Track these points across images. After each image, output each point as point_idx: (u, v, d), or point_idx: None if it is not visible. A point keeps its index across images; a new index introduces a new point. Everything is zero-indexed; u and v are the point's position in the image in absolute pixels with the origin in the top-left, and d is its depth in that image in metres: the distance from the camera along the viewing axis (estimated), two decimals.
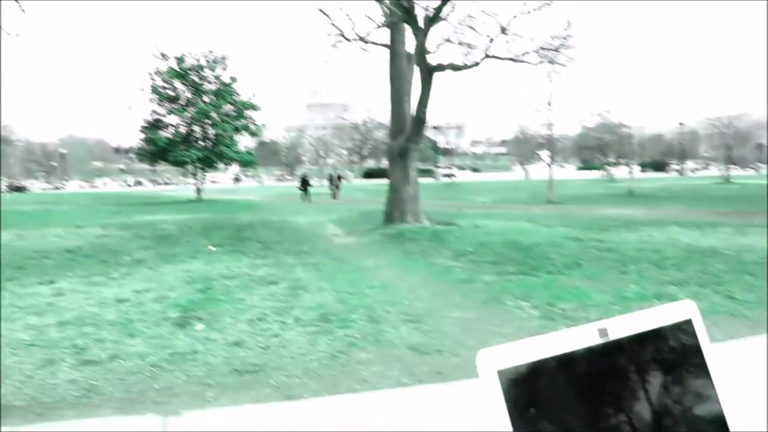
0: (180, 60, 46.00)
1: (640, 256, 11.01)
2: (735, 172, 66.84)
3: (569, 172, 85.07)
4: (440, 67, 17.28)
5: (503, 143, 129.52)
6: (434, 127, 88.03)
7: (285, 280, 9.51)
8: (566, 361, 0.71)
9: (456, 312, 7.39)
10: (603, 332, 0.74)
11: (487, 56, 17.54)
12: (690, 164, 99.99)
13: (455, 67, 17.49)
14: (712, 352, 0.79)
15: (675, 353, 0.77)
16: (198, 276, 10.00)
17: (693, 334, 0.78)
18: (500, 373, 0.68)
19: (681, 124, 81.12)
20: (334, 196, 38.16)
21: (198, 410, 4.40)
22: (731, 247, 12.22)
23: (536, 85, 52.61)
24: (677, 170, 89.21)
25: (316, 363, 5.51)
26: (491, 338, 6.21)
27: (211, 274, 10.17)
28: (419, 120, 17.60)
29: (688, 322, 0.78)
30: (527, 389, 0.68)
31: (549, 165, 37.30)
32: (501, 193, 39.21)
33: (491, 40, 17.46)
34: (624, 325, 0.75)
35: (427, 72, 17.15)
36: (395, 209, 17.85)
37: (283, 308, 7.56)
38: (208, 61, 46.69)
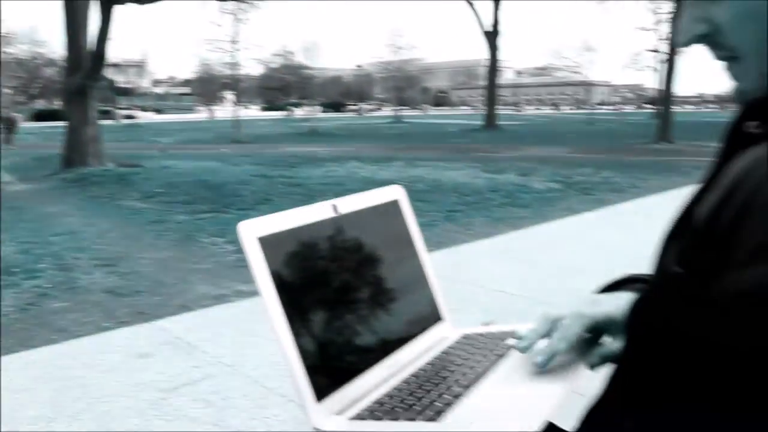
0: None
1: (325, 189, 11.71)
2: (405, 112, 72.65)
3: (254, 113, 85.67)
4: None
5: (187, 83, 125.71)
6: (113, 65, 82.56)
7: None
8: (309, 229, 0.90)
9: (151, 253, 7.30)
10: (335, 208, 0.95)
11: None
12: (366, 105, 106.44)
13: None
14: (414, 224, 1.08)
15: (388, 224, 1.05)
16: None
17: (400, 212, 1.07)
18: (260, 239, 0.83)
19: (358, 66, 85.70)
20: (8, 141, 34.30)
21: None
22: (404, 179, 13.51)
23: (220, 23, 51.82)
24: (355, 110, 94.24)
25: (4, 318, 5.12)
26: (190, 275, 6.28)
27: None
28: (98, 56, 16.49)
29: (396, 203, 1.06)
30: (282, 252, 0.85)
31: (234, 105, 37.28)
32: (186, 133, 38.35)
33: None
34: (350, 203, 0.98)
35: (107, 3, 16.05)
36: (75, 152, 16.67)
37: None
38: None
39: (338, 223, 0.95)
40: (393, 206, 1.09)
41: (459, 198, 11.03)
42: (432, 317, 1.09)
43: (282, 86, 66.82)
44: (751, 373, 0.52)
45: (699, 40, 0.70)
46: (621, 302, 0.82)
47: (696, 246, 0.60)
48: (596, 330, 0.90)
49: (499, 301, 5.24)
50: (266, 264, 0.82)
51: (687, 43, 0.71)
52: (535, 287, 5.59)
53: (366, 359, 0.92)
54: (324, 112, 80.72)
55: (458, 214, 9.45)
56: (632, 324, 0.68)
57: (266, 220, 0.86)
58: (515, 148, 23.32)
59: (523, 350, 0.90)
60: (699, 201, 0.63)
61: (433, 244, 7.34)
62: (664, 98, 29.15)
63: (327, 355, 0.86)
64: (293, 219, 0.89)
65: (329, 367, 0.86)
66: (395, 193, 1.09)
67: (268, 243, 0.83)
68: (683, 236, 0.64)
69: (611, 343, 0.88)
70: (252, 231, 0.83)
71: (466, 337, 1.09)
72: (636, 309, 0.67)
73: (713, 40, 0.69)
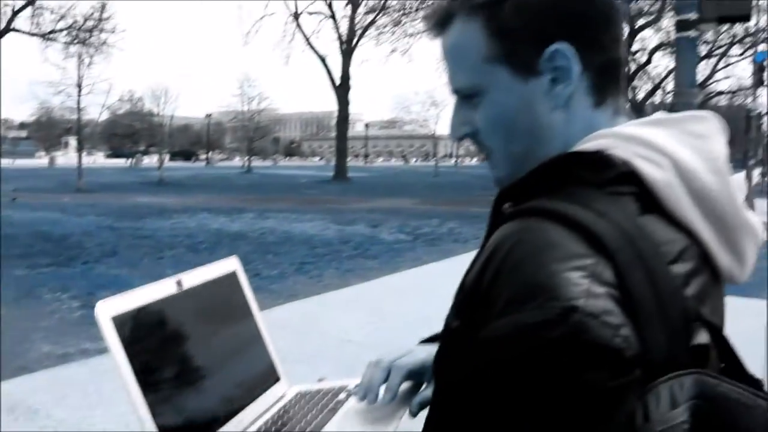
0: None
1: (174, 242, 11.47)
2: (256, 162, 72.33)
3: (99, 160, 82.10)
4: None
5: (23, 126, 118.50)
6: None
7: None
8: (158, 305, 0.97)
9: None
10: (179, 283, 1.02)
11: (10, 30, 16.11)
12: (216, 155, 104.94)
13: None
14: (250, 291, 1.18)
15: (227, 294, 1.16)
16: None
17: (238, 282, 1.17)
18: (114, 319, 0.89)
19: (208, 115, 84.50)
20: None
21: None
22: (255, 230, 13.47)
23: (63, 65, 49.65)
24: (205, 159, 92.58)
25: None
26: (31, 334, 5.96)
27: None
28: None
29: (234, 273, 1.16)
30: (134, 329, 0.92)
31: (77, 151, 35.59)
32: (24, 181, 36.19)
33: (15, 12, 16.09)
34: (193, 277, 1.06)
35: None
36: None
37: None
38: None
39: (183, 297, 1.02)
40: (231, 277, 1.18)
41: (310, 250, 11.14)
42: (270, 378, 1.18)
43: (129, 133, 64.54)
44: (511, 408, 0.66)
45: (465, 137, 0.88)
46: (434, 351, 0.95)
47: (467, 303, 0.74)
48: (417, 378, 1.03)
49: (349, 352, 5.35)
50: (119, 341, 0.88)
51: (457, 139, 0.89)
52: (384, 337, 5.75)
53: (211, 424, 0.99)
54: (172, 160, 78.76)
55: (309, 266, 9.54)
56: (434, 371, 0.81)
57: (120, 299, 0.92)
58: (365, 200, 23.82)
59: (361, 398, 1.01)
60: (472, 266, 0.76)
61: (283, 297, 7.39)
62: None
63: (178, 423, 0.93)
64: (144, 296, 0.96)
65: None
66: (232, 264, 1.18)
67: (120, 321, 0.89)
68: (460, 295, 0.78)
69: (427, 389, 1.01)
70: (107, 311, 0.89)
71: (301, 394, 1.18)
72: (435, 357, 0.79)
73: (475, 138, 0.87)
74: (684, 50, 5.36)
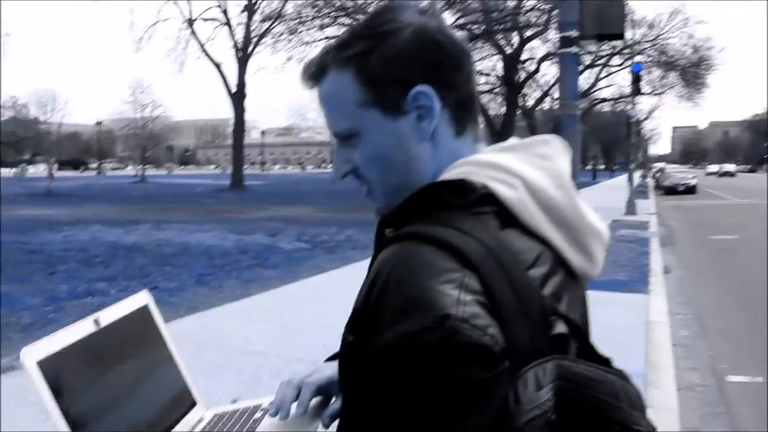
0: None
1: (67, 256, 11.11)
2: (149, 171, 70.38)
3: None
4: None
5: None
6: None
7: None
8: (79, 345, 1.05)
9: None
10: (97, 321, 1.10)
11: None
12: (108, 164, 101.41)
13: None
14: (163, 323, 1.26)
15: (141, 328, 1.24)
16: None
17: (150, 315, 1.24)
18: (39, 363, 0.96)
19: (99, 123, 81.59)
20: None
21: None
22: (151, 242, 13.21)
23: None
24: (96, 169, 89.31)
25: None
26: None
27: None
28: None
29: (146, 307, 1.23)
30: (59, 371, 0.99)
31: None
32: None
33: None
34: (108, 315, 1.14)
35: None
36: None
37: None
38: None
39: (101, 335, 1.10)
40: (143, 310, 1.25)
41: (208, 261, 11.04)
42: (187, 403, 1.27)
43: (13, 141, 61.52)
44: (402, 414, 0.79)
45: (347, 174, 1.02)
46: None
47: (359, 319, 0.86)
48: (327, 393, 1.15)
49: (252, 363, 5.40)
50: (46, 384, 0.95)
51: (341, 177, 1.03)
52: (287, 346, 5.83)
53: None
54: (61, 169, 75.61)
55: (208, 278, 9.47)
56: (339, 383, 0.93)
57: (43, 343, 0.98)
58: (263, 209, 23.71)
59: (273, 415, 1.12)
60: (362, 286, 0.89)
61: (183, 310, 7.33)
62: None
63: None
64: (65, 338, 1.02)
65: None
66: (143, 298, 1.26)
67: (46, 365, 0.96)
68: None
69: (336, 402, 1.14)
70: (32, 356, 0.95)
71: (218, 416, 1.26)
72: (339, 371, 0.92)
73: (356, 174, 1.01)
74: (566, 65, 5.71)
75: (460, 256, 0.81)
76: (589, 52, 33.30)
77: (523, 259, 0.87)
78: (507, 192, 0.91)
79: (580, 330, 0.88)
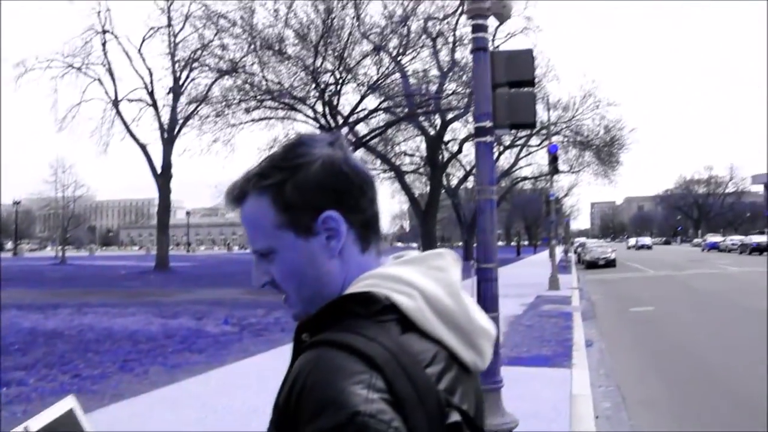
0: None
1: None
2: (70, 252, 68.32)
3: None
4: None
5: None
6: None
7: None
8: None
9: None
10: (26, 429, 1.11)
11: None
12: (26, 245, 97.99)
13: None
14: (90, 425, 1.28)
15: None
16: None
17: (76, 419, 1.27)
18: None
19: (17, 202, 79.20)
20: None
21: None
22: (73, 327, 12.84)
23: None
24: (12, 250, 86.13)
25: None
26: None
27: None
28: None
29: (72, 411, 1.27)
30: None
31: None
32: None
33: None
34: (36, 422, 1.15)
35: None
36: None
37: None
38: None
39: None
40: (69, 415, 1.26)
41: (133, 346, 10.77)
42: None
43: None
44: None
45: (266, 285, 1.17)
46: None
47: (281, 419, 0.99)
48: None
49: None
50: None
51: (260, 287, 1.18)
52: None
53: None
54: None
55: (133, 363, 9.25)
56: None
57: None
58: (189, 291, 23.31)
59: None
60: (282, 387, 1.02)
61: (108, 398, 7.17)
62: None
63: None
64: None
65: None
66: (69, 403, 1.26)
67: None
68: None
69: None
70: None
71: None
72: None
73: (273, 285, 1.16)
74: (482, 152, 6.01)
75: (367, 360, 0.95)
76: (509, 134, 34.61)
77: (422, 358, 1.02)
78: (407, 302, 1.06)
79: (471, 419, 1.04)
